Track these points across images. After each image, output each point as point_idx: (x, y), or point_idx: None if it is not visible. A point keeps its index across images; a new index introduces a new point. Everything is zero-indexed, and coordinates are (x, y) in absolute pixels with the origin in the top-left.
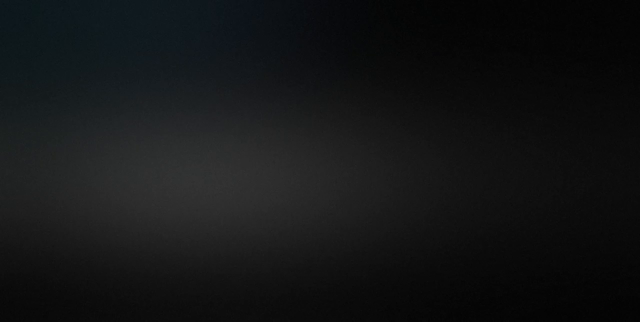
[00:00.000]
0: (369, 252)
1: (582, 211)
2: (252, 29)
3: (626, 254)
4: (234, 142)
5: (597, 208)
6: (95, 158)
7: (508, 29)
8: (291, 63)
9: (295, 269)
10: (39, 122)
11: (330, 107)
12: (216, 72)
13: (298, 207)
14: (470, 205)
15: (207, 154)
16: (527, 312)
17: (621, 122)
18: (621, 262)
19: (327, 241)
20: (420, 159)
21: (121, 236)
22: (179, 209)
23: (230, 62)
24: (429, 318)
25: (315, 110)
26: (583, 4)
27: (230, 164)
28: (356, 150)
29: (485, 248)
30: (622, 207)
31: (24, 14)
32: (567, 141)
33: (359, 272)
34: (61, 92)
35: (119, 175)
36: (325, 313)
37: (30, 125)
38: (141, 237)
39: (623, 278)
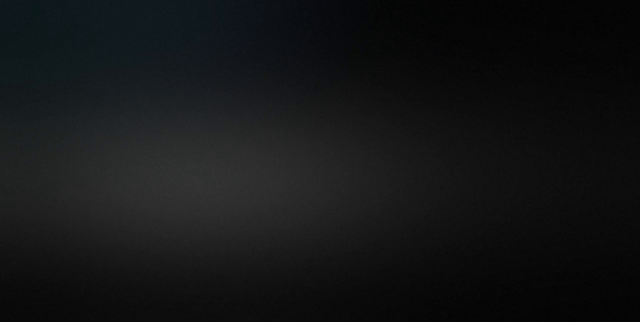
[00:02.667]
0: (369, 252)
1: (582, 211)
2: (252, 29)
3: (626, 254)
4: (234, 142)
5: (597, 208)
6: (95, 158)
7: (508, 29)
8: (291, 63)
9: (295, 269)
10: (39, 122)
11: (330, 107)
12: (216, 72)
13: (298, 207)
14: (470, 205)
15: (207, 154)
16: (527, 312)
17: (621, 122)
18: (621, 262)
19: (327, 241)
20: (420, 159)
21: (121, 236)
22: (179, 209)
23: (230, 62)
24: (429, 318)
25: (315, 110)
26: (583, 4)
27: (230, 164)
28: (356, 150)
29: (485, 248)
30: (622, 207)
31: (24, 14)
32: (567, 141)
33: (359, 272)
34: (61, 92)
35: (119, 175)
36: (325, 313)
37: (30, 125)
38: (141, 237)
39: (623, 278)
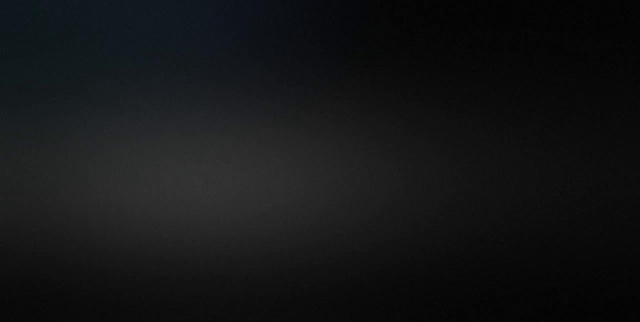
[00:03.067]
0: (369, 252)
1: (582, 211)
2: (252, 29)
3: (626, 254)
4: (234, 142)
5: (597, 208)
6: (95, 158)
7: (508, 29)
8: (291, 63)
9: (295, 269)
10: (39, 122)
11: (330, 107)
12: (216, 72)
13: (298, 207)
14: (470, 205)
15: (207, 154)
16: (527, 312)
17: (621, 122)
18: (621, 262)
19: (327, 241)
20: (420, 159)
21: (121, 236)
22: (179, 209)
23: (230, 62)
24: (429, 318)
25: (315, 110)
26: (583, 4)
27: (230, 164)
28: (356, 150)
29: (485, 248)
30: (622, 207)
31: (24, 14)
32: (567, 141)
33: (359, 272)
34: (61, 92)
35: (119, 175)
36: (325, 313)
37: (30, 125)
38: (141, 237)
39: (623, 278)
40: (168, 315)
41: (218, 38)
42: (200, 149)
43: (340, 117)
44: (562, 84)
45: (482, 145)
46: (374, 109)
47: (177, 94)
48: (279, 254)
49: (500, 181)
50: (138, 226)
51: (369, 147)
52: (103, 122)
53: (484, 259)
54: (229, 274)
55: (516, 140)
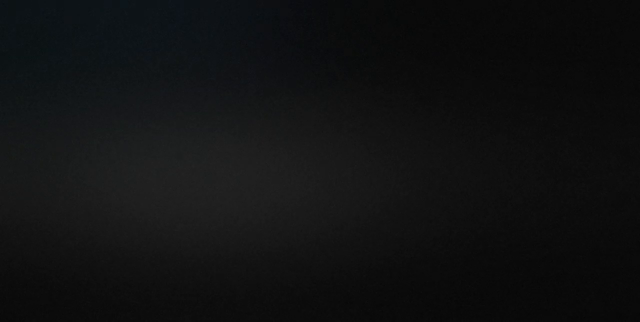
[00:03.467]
0: (368, 252)
1: (582, 211)
2: (252, 29)
3: (626, 254)
4: (234, 142)
5: (597, 208)
6: (95, 158)
7: (508, 29)
8: (291, 63)
9: (295, 269)
10: (39, 122)
11: (330, 107)
12: (216, 72)
13: (298, 207)
14: (470, 205)
15: (207, 154)
16: (527, 312)
17: (621, 122)
18: (621, 262)
19: (327, 241)
20: (420, 159)
21: (121, 236)
22: (179, 209)
23: (230, 62)
24: (429, 318)
25: (315, 110)
26: (583, 4)
27: (230, 164)
28: (356, 150)
29: (485, 248)
30: (622, 207)
31: (24, 14)
32: (567, 141)
33: (359, 272)
34: (61, 92)
35: (119, 175)
36: (325, 313)
37: (30, 125)
38: (141, 237)
39: (623, 278)
40: (168, 315)
41: (218, 38)
42: (200, 149)
43: (340, 117)
44: (562, 84)
45: (482, 145)
46: (374, 109)
47: (177, 94)
48: (279, 254)
49: (500, 181)
50: (138, 226)
51: (369, 147)
52: (103, 122)
53: (483, 259)
54: (229, 274)
55: (516, 140)
